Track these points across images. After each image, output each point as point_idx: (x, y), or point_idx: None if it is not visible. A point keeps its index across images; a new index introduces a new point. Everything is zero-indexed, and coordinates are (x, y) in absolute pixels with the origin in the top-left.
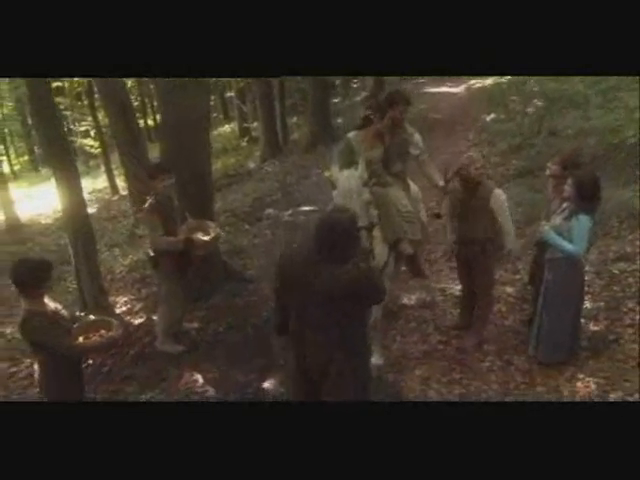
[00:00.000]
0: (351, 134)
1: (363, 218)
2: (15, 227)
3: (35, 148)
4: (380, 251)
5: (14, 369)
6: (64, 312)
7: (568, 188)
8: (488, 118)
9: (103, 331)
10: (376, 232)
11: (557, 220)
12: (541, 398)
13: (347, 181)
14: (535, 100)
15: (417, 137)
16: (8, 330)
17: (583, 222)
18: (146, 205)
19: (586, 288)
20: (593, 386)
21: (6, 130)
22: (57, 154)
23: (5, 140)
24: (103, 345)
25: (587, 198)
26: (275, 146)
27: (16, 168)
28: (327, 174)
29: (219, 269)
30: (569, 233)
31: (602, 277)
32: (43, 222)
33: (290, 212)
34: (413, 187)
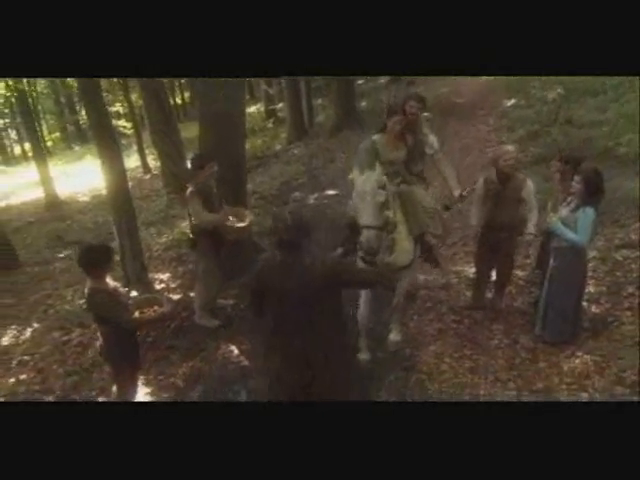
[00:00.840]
0: (376, 136)
1: (376, 219)
2: (54, 204)
3: (67, 126)
4: (407, 247)
5: (66, 337)
6: (122, 290)
7: (576, 184)
8: (509, 103)
9: (156, 307)
10: (401, 228)
11: (564, 212)
12: (542, 373)
13: (363, 183)
14: (555, 87)
15: (432, 137)
16: (58, 302)
17: (589, 214)
18: (187, 193)
19: (591, 273)
20: (590, 363)
21: (39, 107)
22: (103, 133)
23: (39, 117)
24: (156, 319)
25: (593, 193)
26: (301, 128)
27: (48, 145)
28: (350, 176)
29: (250, 250)
30: (575, 224)
31: (606, 263)
32: (80, 200)
33: (316, 196)
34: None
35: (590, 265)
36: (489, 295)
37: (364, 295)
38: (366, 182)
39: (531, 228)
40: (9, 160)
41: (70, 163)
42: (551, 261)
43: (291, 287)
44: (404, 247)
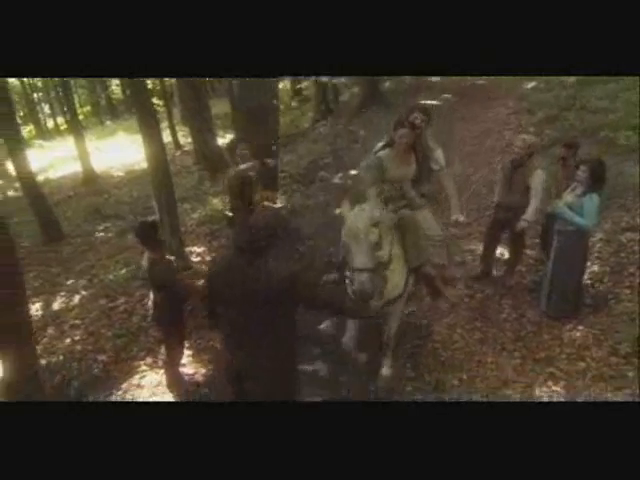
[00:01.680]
0: (382, 153)
1: (371, 260)
2: (91, 179)
3: (99, 101)
4: (398, 281)
5: (112, 304)
6: (175, 262)
7: (582, 173)
8: (529, 86)
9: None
10: (396, 261)
11: (569, 198)
12: (545, 344)
13: (355, 220)
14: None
15: (438, 152)
16: (101, 272)
17: (594, 200)
18: (226, 178)
19: (596, 254)
20: (590, 336)
21: (72, 82)
22: (143, 110)
23: (71, 92)
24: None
25: (597, 181)
26: (326, 107)
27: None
28: (338, 211)
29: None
30: (581, 209)
31: (611, 244)
32: (115, 175)
33: (340, 175)
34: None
35: (596, 246)
36: (500, 273)
37: None
38: (358, 218)
39: (528, 214)
40: (44, 134)
41: (102, 139)
42: (554, 243)
43: (250, 290)
44: (395, 282)
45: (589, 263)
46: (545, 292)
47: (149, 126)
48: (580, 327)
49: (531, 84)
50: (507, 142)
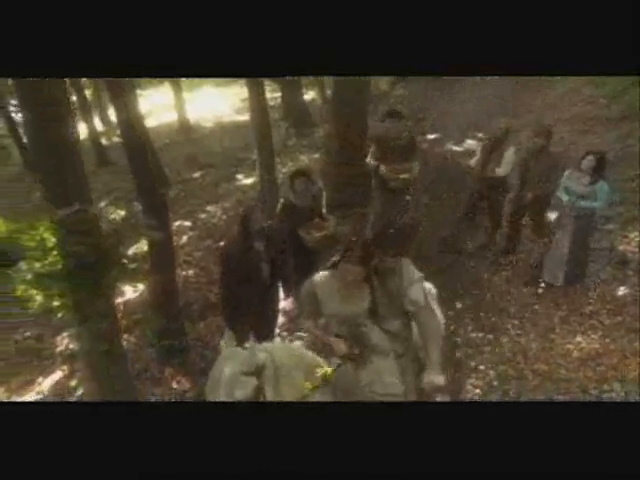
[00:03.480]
0: (318, 278)
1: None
2: (186, 128)
3: None
4: None
5: (215, 245)
6: None
7: (588, 162)
8: None
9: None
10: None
11: (579, 189)
12: (590, 300)
13: (221, 363)
14: None
15: (416, 288)
16: (203, 215)
17: (605, 187)
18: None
19: None
20: (628, 295)
21: None
22: None
23: None
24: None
25: (601, 169)
26: None
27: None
28: (221, 342)
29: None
30: (594, 195)
31: None
32: (204, 125)
33: (418, 139)
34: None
35: None
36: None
37: None
38: (229, 361)
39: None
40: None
41: (190, 90)
42: (570, 226)
43: None
44: None
45: (637, 233)
46: (562, 267)
47: (254, 82)
48: (622, 287)
49: None
50: (572, 114)
